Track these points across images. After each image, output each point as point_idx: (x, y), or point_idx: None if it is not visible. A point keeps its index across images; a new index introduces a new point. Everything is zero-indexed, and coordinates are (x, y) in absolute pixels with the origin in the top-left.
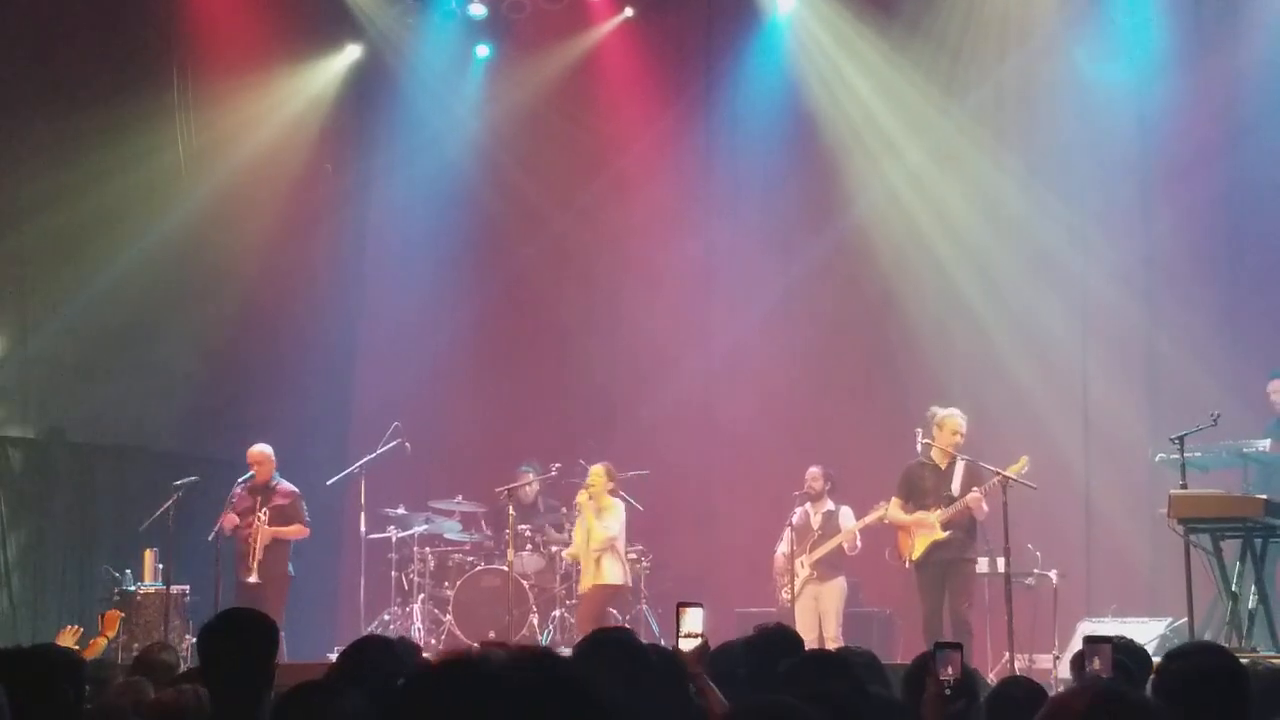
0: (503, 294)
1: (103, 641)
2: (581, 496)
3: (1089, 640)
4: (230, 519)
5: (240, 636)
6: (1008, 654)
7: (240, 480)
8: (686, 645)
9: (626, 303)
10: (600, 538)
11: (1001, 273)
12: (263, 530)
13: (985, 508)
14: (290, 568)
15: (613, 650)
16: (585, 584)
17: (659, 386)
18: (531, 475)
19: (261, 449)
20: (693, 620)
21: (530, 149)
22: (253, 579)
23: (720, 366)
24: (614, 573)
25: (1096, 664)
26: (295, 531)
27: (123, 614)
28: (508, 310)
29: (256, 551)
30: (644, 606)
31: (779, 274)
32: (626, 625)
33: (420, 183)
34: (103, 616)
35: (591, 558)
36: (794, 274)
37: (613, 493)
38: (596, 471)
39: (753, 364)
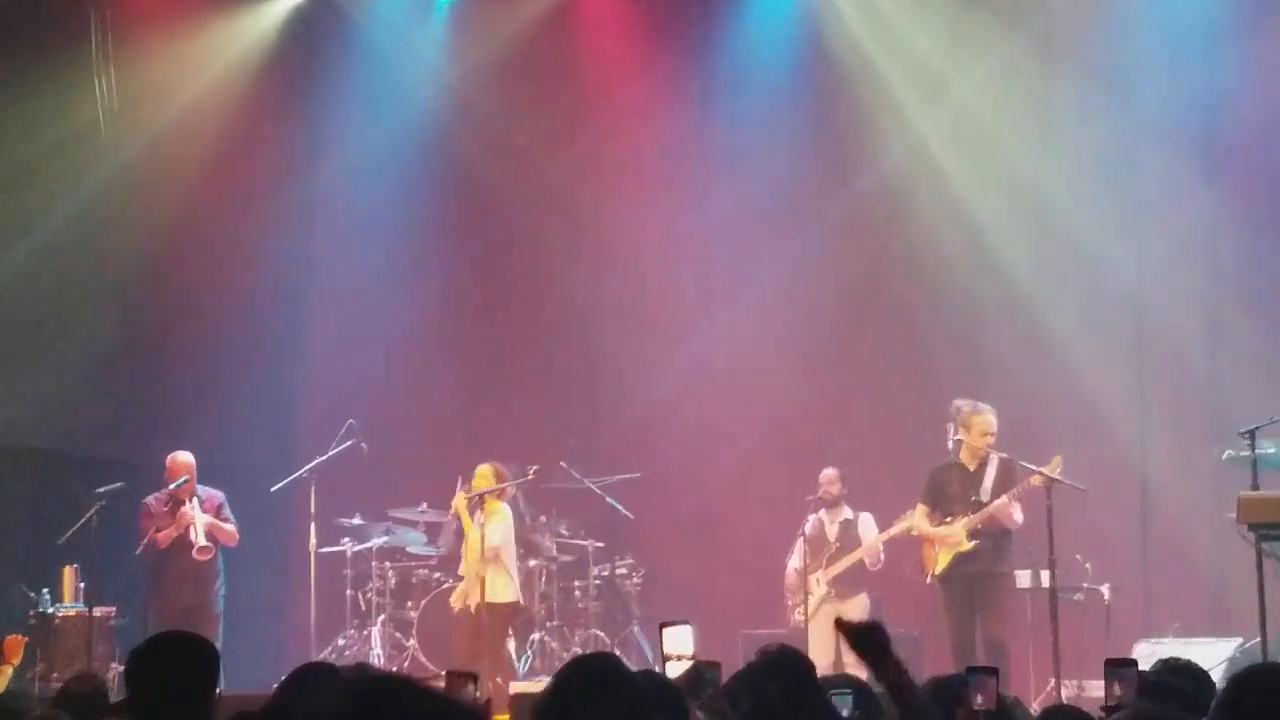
0: (472, 272)
1: (8, 670)
2: (459, 501)
3: (1110, 664)
4: (165, 535)
5: (175, 664)
6: (1053, 680)
7: (164, 491)
8: (673, 670)
9: (613, 280)
10: (486, 548)
11: (1050, 242)
12: (197, 515)
13: (1018, 516)
14: (515, 591)
15: (597, 679)
16: (471, 601)
17: (652, 375)
18: (507, 481)
19: (188, 456)
20: (678, 641)
21: (503, 102)
22: (203, 542)
23: (721, 352)
24: (504, 588)
25: (1118, 691)
26: (232, 536)
27: (27, 639)
28: (478, 291)
29: (198, 528)
30: (635, 629)
31: (788, 243)
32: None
33: (376, 145)
34: (1, 643)
35: (474, 571)
36: (807, 243)
37: (501, 496)
38: (483, 472)
39: (758, 350)
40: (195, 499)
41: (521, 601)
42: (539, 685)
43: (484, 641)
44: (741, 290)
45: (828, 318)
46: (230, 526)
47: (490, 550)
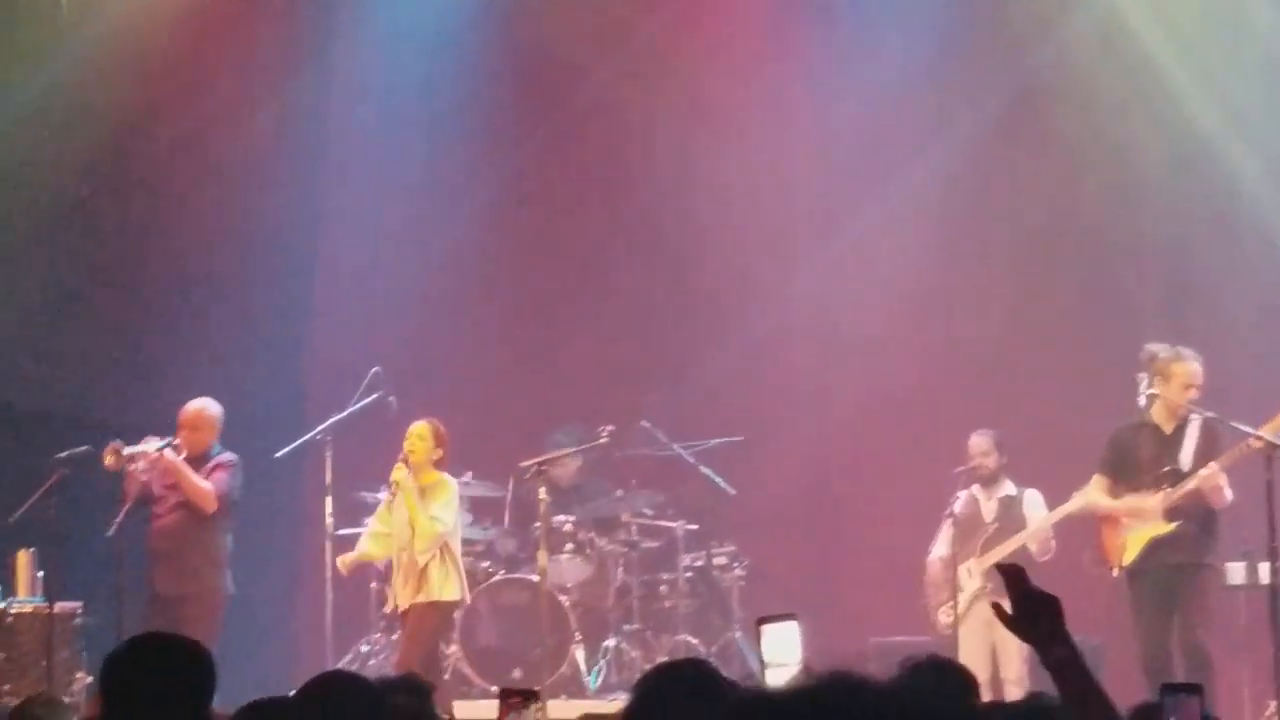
0: (528, 186)
1: None
2: (398, 473)
3: (1167, 689)
4: (133, 480)
5: (160, 672)
6: (1273, 703)
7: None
8: (775, 678)
9: (709, 198)
10: (429, 533)
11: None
12: (169, 461)
13: (1228, 492)
14: (228, 580)
15: (688, 691)
16: (402, 599)
17: (757, 314)
18: (576, 443)
19: (201, 407)
20: (781, 642)
21: None
22: (145, 450)
23: (844, 287)
24: (451, 583)
25: None
26: (200, 491)
27: None
28: (535, 210)
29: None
30: (737, 634)
31: (932, 147)
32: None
33: (407, 25)
34: None
35: (413, 562)
36: (954, 147)
37: (441, 465)
38: (418, 432)
39: (891, 283)
40: (179, 451)
41: (468, 600)
42: (615, 705)
43: (415, 650)
44: (869, 208)
45: (979, 243)
46: (199, 481)
47: (437, 537)
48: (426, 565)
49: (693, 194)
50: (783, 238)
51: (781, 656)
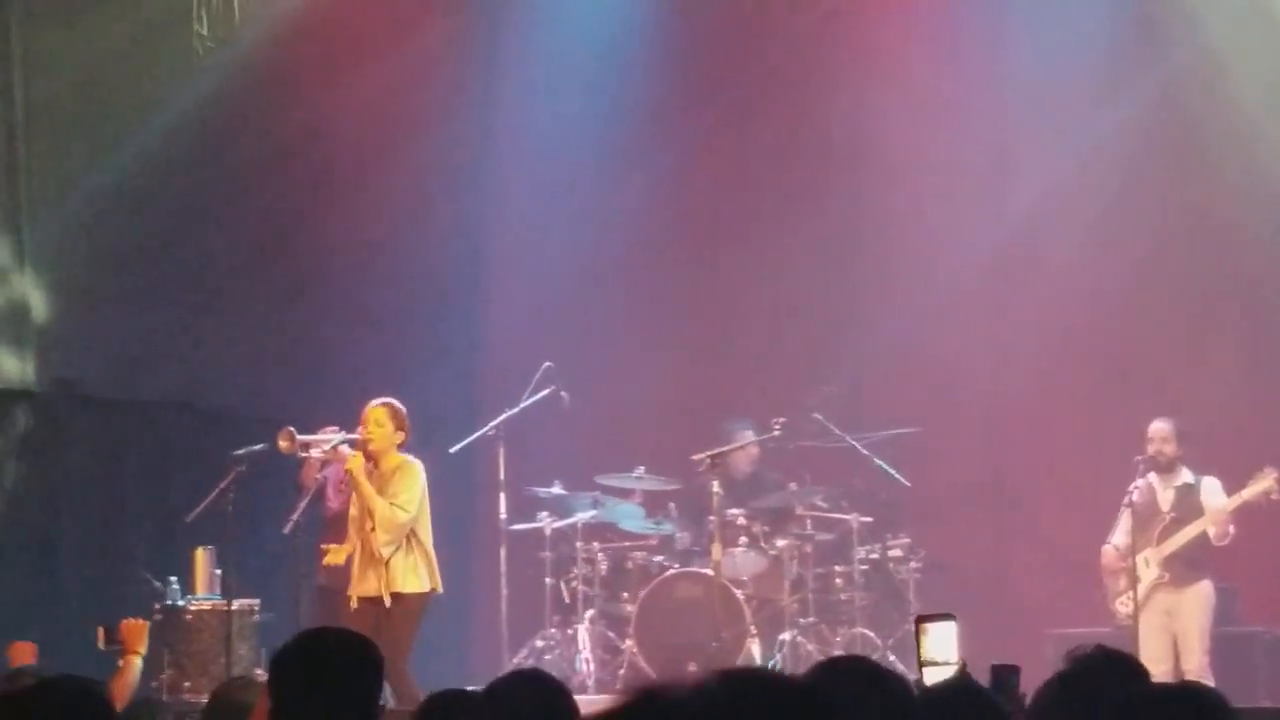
0: (701, 169)
1: (135, 660)
2: (352, 462)
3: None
4: (310, 470)
5: (328, 667)
6: None
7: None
8: (932, 677)
9: (881, 173)
10: (390, 523)
11: None
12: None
13: None
14: (424, 577)
15: (857, 685)
16: (359, 591)
17: (934, 299)
18: (748, 435)
19: (385, 405)
20: (939, 641)
21: None
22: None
23: (1026, 269)
24: (417, 574)
25: None
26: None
27: (149, 621)
28: (707, 195)
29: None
30: (910, 627)
31: (1121, 98)
32: None
33: (571, 23)
34: (107, 630)
35: (374, 554)
36: (1127, 112)
37: (404, 447)
38: (374, 417)
39: (1076, 265)
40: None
41: (439, 589)
42: None
43: (394, 653)
44: (1041, 185)
45: (1155, 224)
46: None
47: (400, 526)
48: (390, 557)
49: (865, 174)
50: (956, 222)
51: (941, 655)
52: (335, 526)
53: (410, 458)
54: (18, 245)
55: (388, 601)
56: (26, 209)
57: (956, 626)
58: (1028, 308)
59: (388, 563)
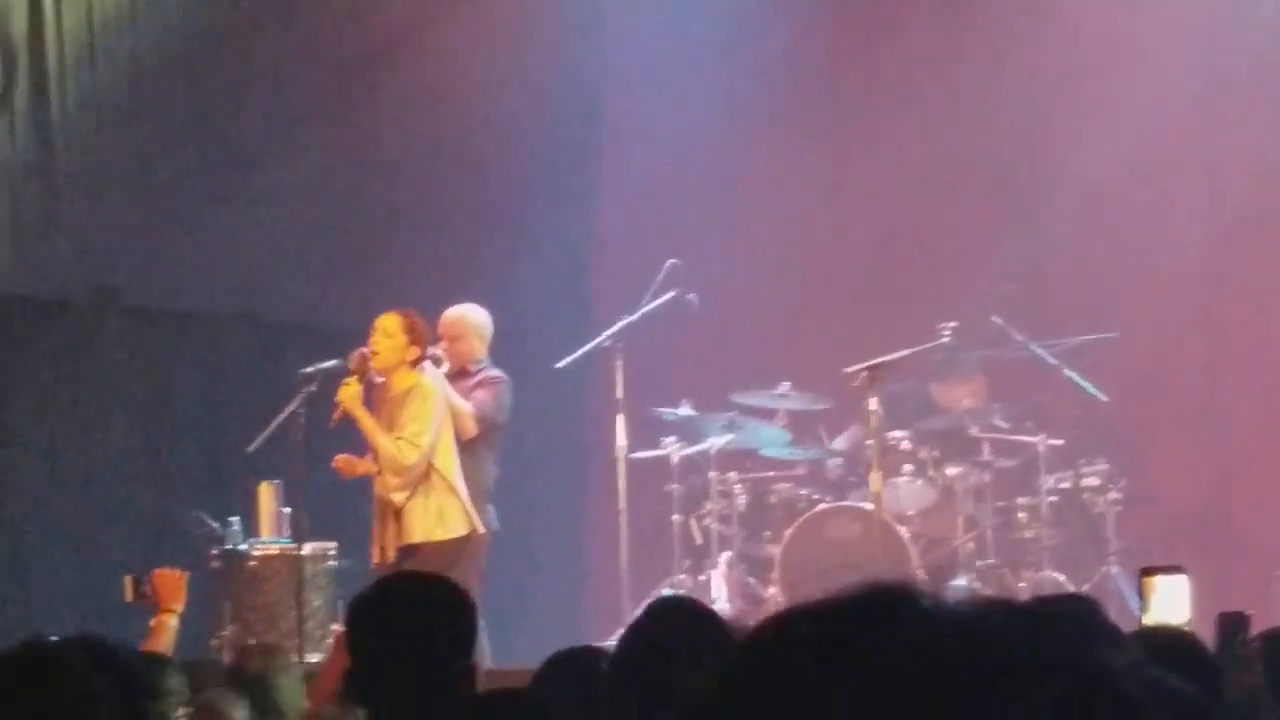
0: (847, 38)
1: (170, 620)
2: (345, 391)
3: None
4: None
5: (412, 617)
6: None
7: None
8: None
9: (1067, 41)
10: (397, 464)
11: None
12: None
13: None
14: (491, 515)
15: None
16: (381, 545)
17: (1134, 185)
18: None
19: (462, 314)
20: (1169, 598)
21: None
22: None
23: (1234, 141)
24: (451, 516)
25: None
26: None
27: (197, 570)
28: (857, 63)
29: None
30: (1113, 568)
31: None
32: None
33: None
34: (136, 581)
35: (388, 501)
36: None
37: (419, 364)
38: (383, 327)
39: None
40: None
41: (479, 530)
42: None
43: None
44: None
45: None
46: (461, 403)
47: (415, 460)
48: (404, 504)
49: (1049, 47)
50: (1166, 95)
51: (1169, 614)
52: None
53: (425, 376)
54: (45, 131)
55: (392, 556)
56: (56, 82)
57: (1188, 581)
58: (1242, 173)
59: (400, 512)
